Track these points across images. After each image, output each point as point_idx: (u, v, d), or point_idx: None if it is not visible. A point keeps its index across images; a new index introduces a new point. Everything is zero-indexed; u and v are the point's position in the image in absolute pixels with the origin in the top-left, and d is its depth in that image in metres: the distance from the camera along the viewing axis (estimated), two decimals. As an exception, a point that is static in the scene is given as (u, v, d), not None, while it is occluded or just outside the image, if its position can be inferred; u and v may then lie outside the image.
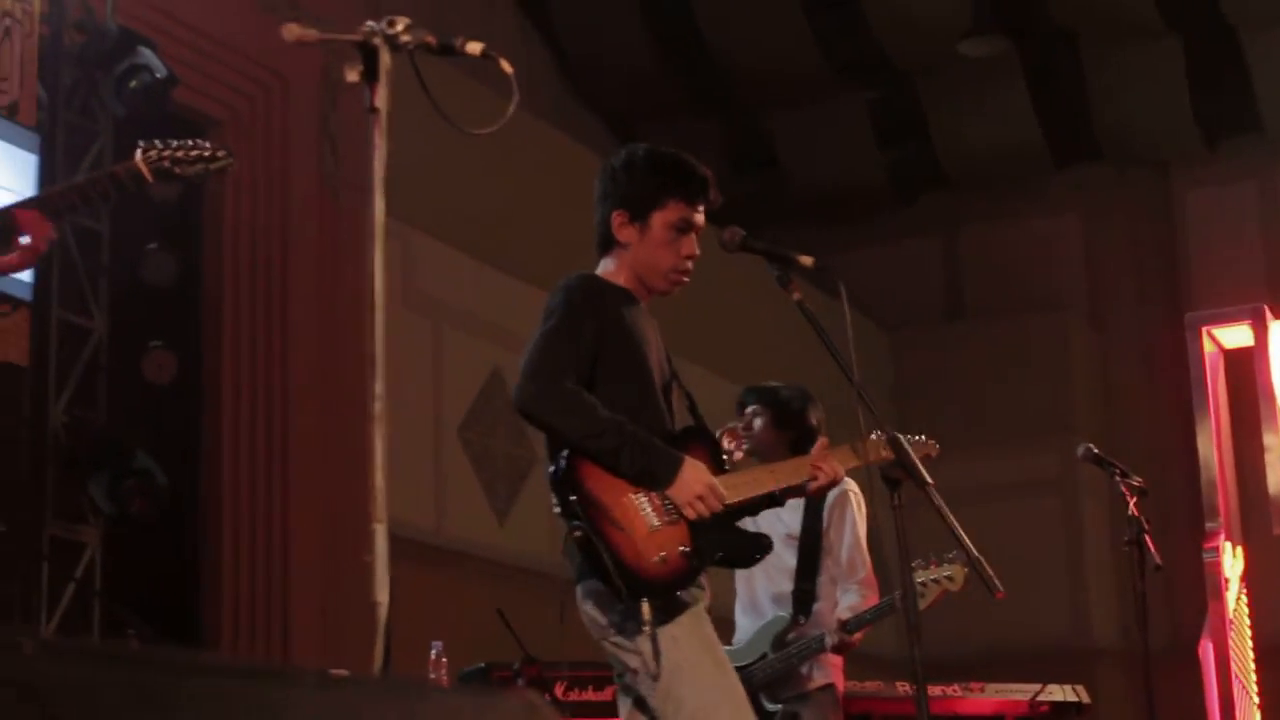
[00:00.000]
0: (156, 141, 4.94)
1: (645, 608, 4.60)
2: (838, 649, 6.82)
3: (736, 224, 5.00)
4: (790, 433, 7.16)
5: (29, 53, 9.60)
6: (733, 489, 4.84)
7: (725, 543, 4.83)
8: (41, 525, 9.29)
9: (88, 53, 9.89)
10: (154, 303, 10.08)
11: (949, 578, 6.78)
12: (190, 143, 4.99)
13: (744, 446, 7.23)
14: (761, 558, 5.00)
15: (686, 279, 5.07)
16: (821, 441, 5.35)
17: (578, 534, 4.65)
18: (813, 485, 5.10)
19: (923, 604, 6.66)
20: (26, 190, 9.40)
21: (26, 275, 9.34)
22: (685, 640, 4.68)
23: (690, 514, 4.68)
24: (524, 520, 13.81)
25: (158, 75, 9.67)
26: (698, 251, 5.00)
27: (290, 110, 11.70)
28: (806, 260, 4.72)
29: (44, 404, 9.47)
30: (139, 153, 4.88)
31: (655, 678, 4.66)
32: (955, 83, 17.78)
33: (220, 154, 4.99)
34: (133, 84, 9.67)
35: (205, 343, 10.98)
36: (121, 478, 9.32)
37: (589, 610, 4.82)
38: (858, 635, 6.81)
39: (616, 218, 5.03)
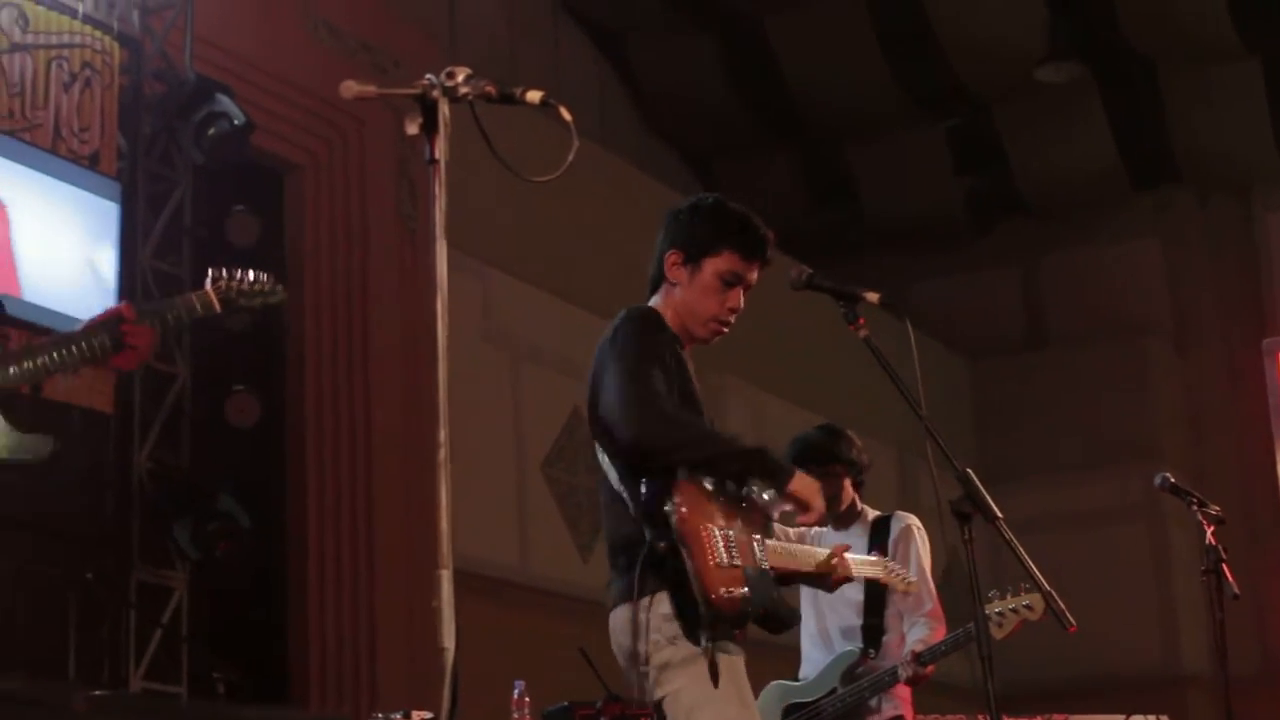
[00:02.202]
0: (224, 272, 5.14)
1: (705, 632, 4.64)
2: (911, 681, 6.80)
3: (816, 256, 5.03)
4: (851, 475, 7.20)
5: (109, 103, 9.73)
6: (773, 554, 4.90)
7: (770, 600, 4.84)
8: (128, 571, 9.38)
9: (167, 102, 10.01)
10: (236, 347, 10.15)
11: (1028, 606, 6.73)
12: (253, 276, 5.20)
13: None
14: (787, 629, 5.01)
15: (725, 330, 5.11)
16: (842, 546, 5.41)
17: (662, 545, 4.65)
18: (832, 581, 5.28)
19: (1001, 633, 6.65)
20: (110, 240, 9.52)
21: (109, 323, 9.43)
22: (720, 676, 4.68)
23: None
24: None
25: (235, 122, 9.77)
26: (741, 306, 5.02)
27: (368, 153, 11.78)
28: (872, 296, 4.72)
29: (129, 450, 9.57)
30: (209, 282, 5.05)
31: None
32: (1032, 109, 17.72)
33: (278, 289, 5.25)
34: (211, 131, 9.77)
35: (288, 386, 11.05)
36: (206, 522, 9.39)
37: (623, 639, 4.81)
38: (930, 667, 6.79)
39: (671, 256, 5.05)
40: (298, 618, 10.86)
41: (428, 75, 3.21)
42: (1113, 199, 18.82)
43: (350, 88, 3.26)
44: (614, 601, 4.85)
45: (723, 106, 17.41)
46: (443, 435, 3.12)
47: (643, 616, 4.73)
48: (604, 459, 4.89)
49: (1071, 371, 18.88)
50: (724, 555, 4.65)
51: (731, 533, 4.72)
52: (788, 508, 5.01)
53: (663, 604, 4.70)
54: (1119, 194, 18.72)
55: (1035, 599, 6.74)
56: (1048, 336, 19.73)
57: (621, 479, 4.82)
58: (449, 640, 3.03)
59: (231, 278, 5.15)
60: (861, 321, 4.72)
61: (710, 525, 4.69)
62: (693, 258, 4.99)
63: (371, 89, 3.23)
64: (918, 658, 6.75)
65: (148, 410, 9.70)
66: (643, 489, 4.72)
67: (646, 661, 4.74)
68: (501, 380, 13.17)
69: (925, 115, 17.79)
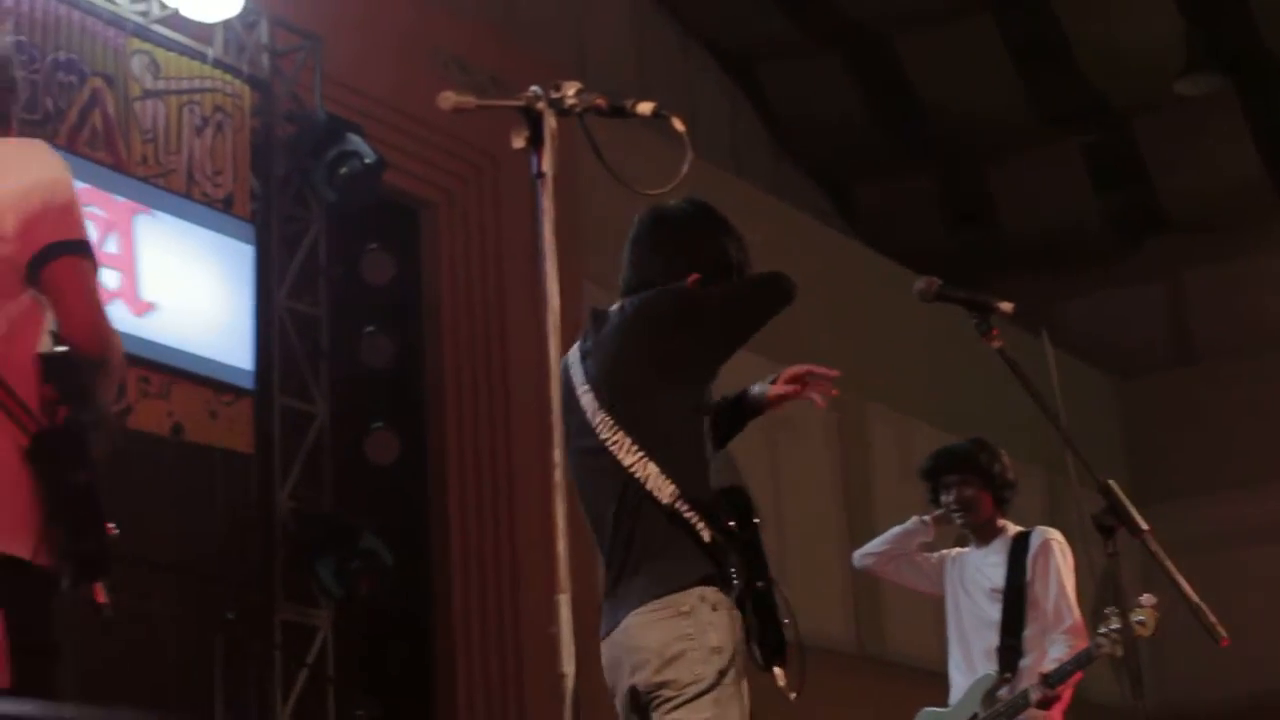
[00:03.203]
0: None
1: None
2: (1042, 704, 6.65)
3: (955, 277, 4.89)
4: (993, 490, 7.10)
5: (241, 146, 9.79)
6: None
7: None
8: (273, 610, 9.39)
9: (298, 142, 10.06)
10: (374, 384, 10.18)
11: (1141, 623, 6.60)
12: None
13: (958, 521, 7.17)
14: None
15: None
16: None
17: (760, 585, 4.61)
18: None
19: (1105, 652, 6.52)
20: (246, 282, 9.57)
21: (248, 363, 9.50)
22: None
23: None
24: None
25: (367, 160, 9.80)
26: None
27: (502, 188, 11.77)
28: (1006, 307, 4.58)
29: (270, 490, 9.59)
30: None
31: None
32: (1172, 123, 17.43)
33: None
34: (343, 170, 9.81)
35: (427, 422, 11.06)
36: (349, 560, 9.39)
37: (651, 638, 4.56)
38: (1061, 688, 6.64)
39: (692, 278, 4.93)
40: (443, 655, 10.85)
41: (533, 87, 3.15)
42: (1257, 210, 18.45)
43: (448, 98, 3.20)
44: (638, 601, 4.57)
45: (856, 129, 17.28)
46: (557, 456, 3.05)
47: (689, 627, 4.51)
48: (626, 451, 4.66)
49: (1224, 387, 18.55)
50: None
51: None
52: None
53: (720, 622, 4.52)
54: (1264, 205, 18.35)
55: (1147, 614, 6.61)
56: (1197, 353, 19.39)
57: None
58: (568, 666, 2.96)
59: None
60: (995, 332, 4.58)
61: None
62: (712, 277, 4.90)
63: (471, 100, 3.16)
64: (1046, 679, 6.61)
65: (288, 449, 9.73)
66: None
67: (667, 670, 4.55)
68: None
69: (1062, 132, 17.56)
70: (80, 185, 3.85)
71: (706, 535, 4.59)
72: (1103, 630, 6.58)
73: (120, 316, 8.94)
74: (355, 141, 9.87)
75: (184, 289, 9.26)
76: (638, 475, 4.60)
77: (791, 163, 17.74)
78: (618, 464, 4.62)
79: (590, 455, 4.70)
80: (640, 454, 4.62)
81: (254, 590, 9.37)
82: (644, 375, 4.73)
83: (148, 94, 9.33)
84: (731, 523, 4.69)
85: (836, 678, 13.66)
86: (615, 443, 4.65)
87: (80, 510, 3.59)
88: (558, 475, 3.03)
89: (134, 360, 8.80)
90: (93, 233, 8.55)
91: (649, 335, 4.77)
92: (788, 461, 14.65)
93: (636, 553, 4.59)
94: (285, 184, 10.12)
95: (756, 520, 4.81)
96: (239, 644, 9.07)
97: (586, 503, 4.71)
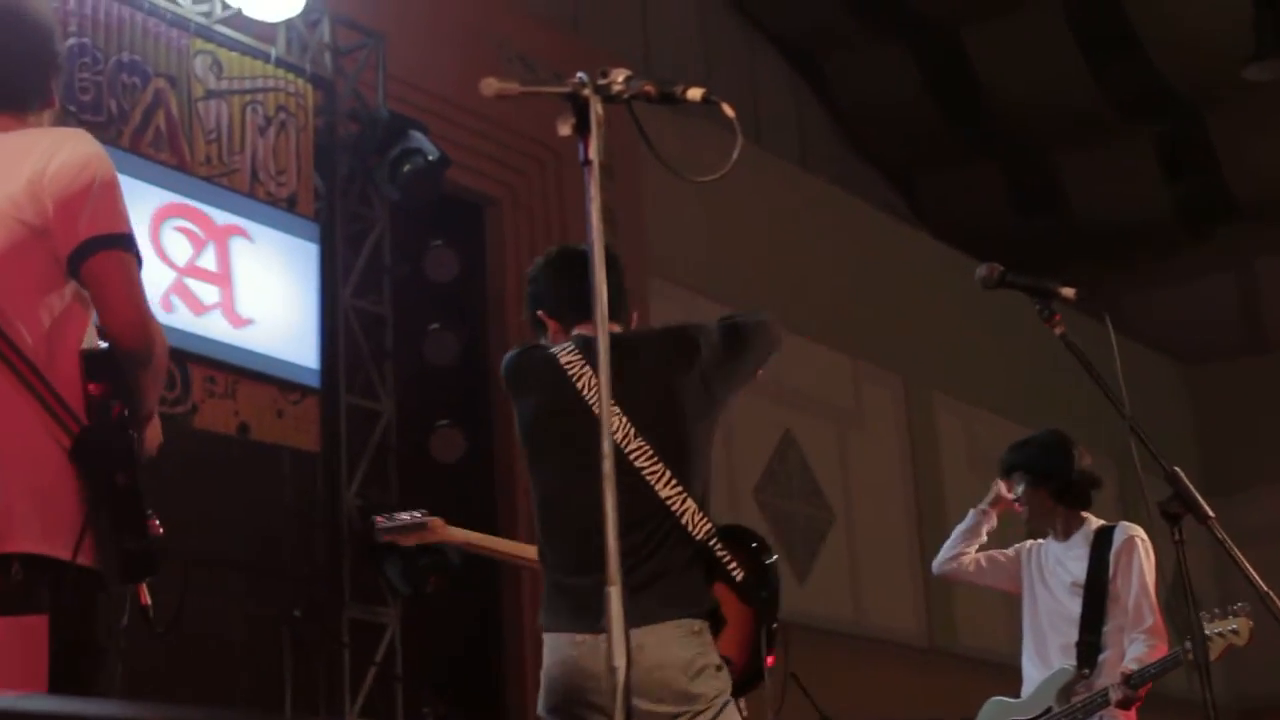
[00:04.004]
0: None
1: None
2: (1123, 704, 6.56)
3: (1023, 267, 4.82)
4: (1048, 487, 6.98)
5: (304, 145, 9.80)
6: None
7: None
8: (341, 608, 9.40)
9: (361, 141, 10.07)
10: (439, 382, 10.17)
11: (1234, 631, 6.49)
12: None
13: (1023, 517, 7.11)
14: None
15: None
16: None
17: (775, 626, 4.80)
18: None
19: (1210, 656, 6.41)
20: (311, 281, 9.59)
21: (314, 362, 9.51)
22: None
23: None
24: (825, 579, 13.69)
25: (430, 158, 9.80)
26: None
27: (566, 184, 11.77)
28: (1068, 292, 4.52)
29: (337, 488, 9.60)
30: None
31: None
32: (1242, 110, 17.29)
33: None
34: (406, 168, 9.80)
35: (492, 419, 11.04)
36: (416, 558, 9.38)
37: (676, 653, 4.58)
38: (1143, 689, 6.55)
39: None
40: (510, 652, 10.84)
41: (579, 74, 3.11)
42: (1330, 198, 18.31)
43: (491, 84, 3.17)
44: (664, 616, 4.60)
45: (923, 119, 17.22)
46: (606, 446, 3.01)
47: (703, 645, 4.64)
48: (665, 484, 4.70)
49: (1295, 375, 18.42)
50: None
51: None
52: None
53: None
54: (1336, 193, 18.21)
55: (1241, 623, 6.51)
56: (1267, 340, 19.23)
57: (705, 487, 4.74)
58: (619, 659, 2.92)
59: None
60: (1057, 318, 4.53)
61: None
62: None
63: (514, 86, 3.13)
64: (1128, 680, 6.52)
65: (354, 448, 9.74)
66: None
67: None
68: (710, 407, 13.07)
69: (1131, 120, 17.43)
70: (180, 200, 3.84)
71: (739, 575, 4.71)
72: (1205, 634, 6.46)
73: (217, 325, 9.02)
74: (418, 139, 9.87)
75: (249, 289, 9.27)
76: (674, 509, 4.65)
77: (858, 155, 17.70)
78: (651, 494, 4.65)
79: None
80: (679, 488, 4.66)
81: (322, 589, 9.38)
82: (685, 410, 4.77)
83: (211, 94, 9.35)
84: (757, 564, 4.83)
85: (907, 671, 13.62)
86: (653, 473, 4.67)
87: (123, 510, 3.56)
88: (607, 466, 3.00)
89: (200, 360, 8.84)
90: (188, 247, 8.71)
91: (695, 370, 4.81)
92: (856, 455, 14.62)
93: (646, 575, 4.59)
94: (349, 182, 10.13)
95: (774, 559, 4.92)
96: (307, 642, 9.08)
97: (572, 510, 4.66)
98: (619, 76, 3.20)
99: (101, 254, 3.59)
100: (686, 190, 11.92)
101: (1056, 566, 6.96)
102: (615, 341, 4.66)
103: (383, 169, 9.90)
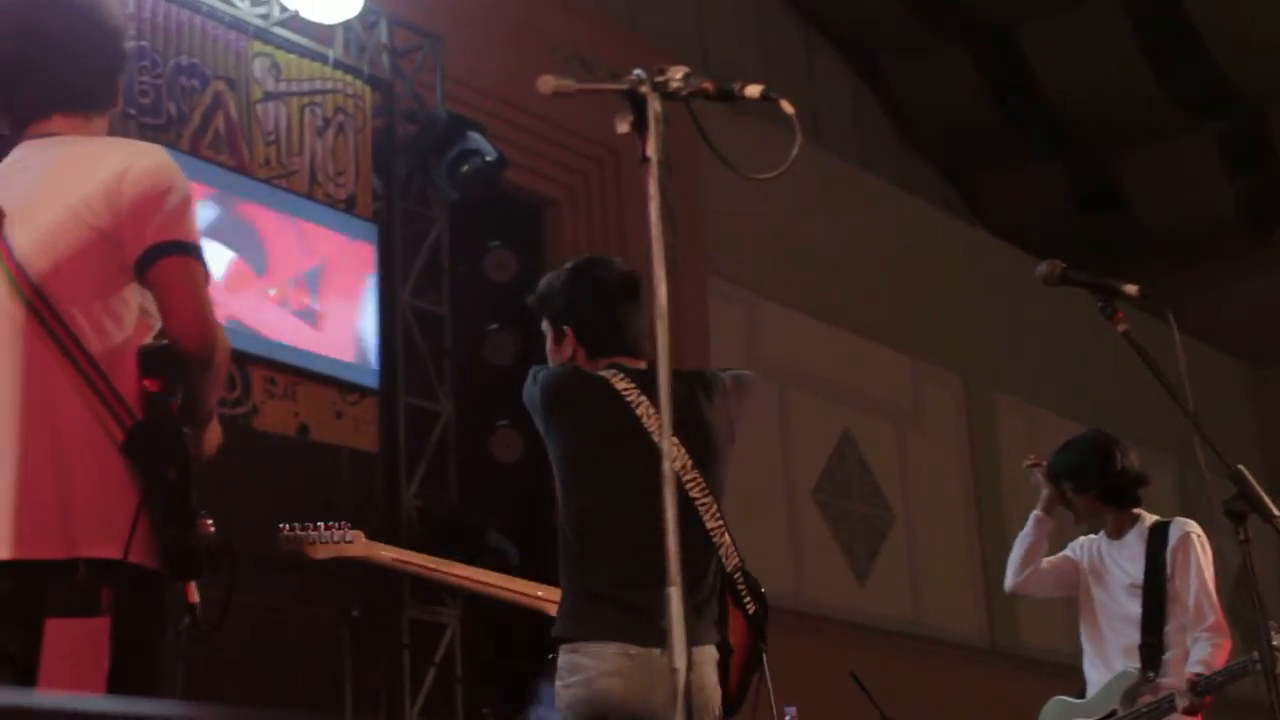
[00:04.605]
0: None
1: None
2: (1189, 711, 6.45)
3: (1085, 267, 4.78)
4: (1093, 491, 6.88)
5: (363, 146, 9.82)
6: None
7: None
8: (400, 609, 9.41)
9: (419, 141, 10.08)
10: (498, 382, 10.16)
11: None
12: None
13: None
14: None
15: None
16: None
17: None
18: None
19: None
20: (370, 281, 9.60)
21: (373, 363, 9.53)
22: None
23: None
24: (884, 580, 13.65)
25: (488, 158, 9.80)
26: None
27: (624, 185, 11.75)
28: (1131, 289, 4.48)
29: (396, 488, 9.62)
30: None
31: None
32: (1306, 108, 17.17)
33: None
34: (464, 168, 9.81)
35: (553, 419, 11.02)
36: (474, 557, 9.36)
37: (713, 676, 4.76)
38: (1209, 697, 6.45)
39: None
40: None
41: (636, 70, 3.10)
42: (1398, 192, 18.13)
43: (548, 82, 3.16)
44: (707, 639, 4.78)
45: (982, 119, 17.14)
46: (666, 445, 3.00)
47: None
48: (711, 516, 4.86)
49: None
50: None
51: None
52: None
53: None
54: (1402, 189, 18.03)
55: None
56: (1337, 341, 19.09)
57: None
58: (679, 661, 2.90)
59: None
60: (1120, 315, 4.49)
61: None
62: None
63: (571, 84, 3.12)
64: (1194, 687, 6.40)
65: (413, 448, 9.75)
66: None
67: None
68: (769, 408, 13.07)
69: (1193, 118, 17.31)
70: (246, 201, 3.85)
71: (751, 609, 4.94)
72: (1276, 644, 6.34)
73: (277, 328, 9.04)
74: (476, 139, 9.88)
75: (310, 290, 9.30)
76: (715, 540, 4.79)
77: (917, 154, 17.63)
78: (700, 524, 4.77)
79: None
80: (720, 521, 4.81)
81: (381, 589, 9.39)
82: (720, 449, 4.91)
83: (269, 96, 9.38)
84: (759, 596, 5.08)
85: (967, 672, 13.57)
86: (704, 505, 4.79)
87: (172, 505, 3.56)
88: (667, 466, 2.98)
89: (260, 361, 8.87)
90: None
91: (739, 415, 4.99)
92: (916, 455, 14.57)
93: (697, 600, 4.71)
94: (407, 183, 10.14)
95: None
96: (367, 642, 9.08)
97: (627, 525, 4.69)
98: (677, 74, 3.19)
99: (169, 259, 3.62)
100: (745, 189, 11.85)
101: (1113, 566, 6.87)
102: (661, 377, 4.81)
103: (441, 170, 9.91)
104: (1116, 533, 6.88)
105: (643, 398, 4.83)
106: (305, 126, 9.52)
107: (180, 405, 3.65)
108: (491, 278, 10.13)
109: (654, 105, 3.06)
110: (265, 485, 8.62)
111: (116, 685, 3.40)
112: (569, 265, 5.19)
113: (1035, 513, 7.10)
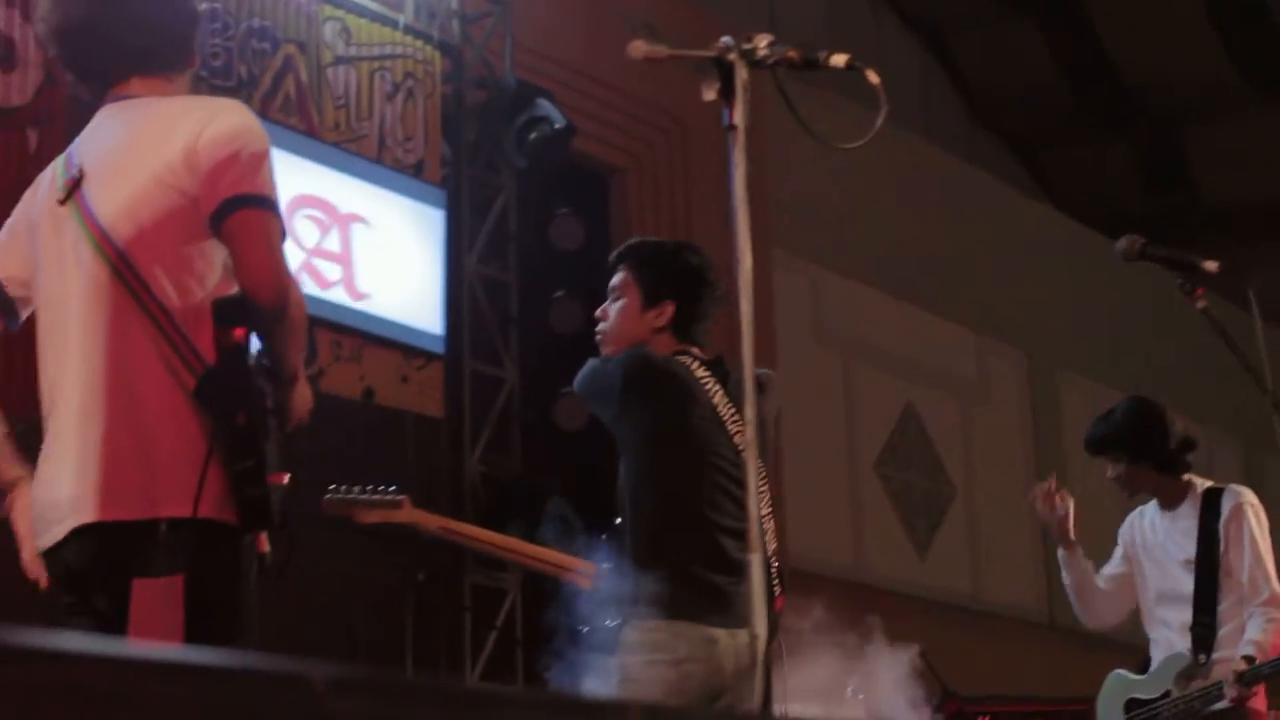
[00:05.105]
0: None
1: None
2: (1237, 701, 6.24)
3: (1150, 244, 4.75)
4: (1149, 461, 6.63)
5: (432, 112, 9.82)
6: None
7: None
8: (462, 574, 9.44)
9: (488, 108, 10.08)
10: (563, 350, 10.16)
11: None
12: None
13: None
14: None
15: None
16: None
17: None
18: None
19: None
20: (436, 247, 9.62)
21: (438, 328, 9.54)
22: None
23: None
24: (945, 554, 13.62)
25: (556, 126, 9.80)
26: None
27: (691, 153, 11.73)
28: (1211, 265, 4.45)
29: (460, 454, 9.64)
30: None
31: None
32: (1380, 84, 16.99)
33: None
34: (532, 135, 9.81)
35: (616, 388, 11.03)
36: (537, 524, 9.39)
37: None
38: (1257, 687, 6.32)
39: None
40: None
41: (724, 38, 3.09)
42: None
43: (639, 47, 3.16)
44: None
45: (1050, 94, 17.04)
46: (750, 413, 3.00)
47: None
48: (765, 503, 4.94)
49: None
50: None
51: None
52: None
53: None
54: None
55: None
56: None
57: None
58: (760, 627, 2.91)
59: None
60: (1200, 292, 4.46)
61: None
62: None
63: (663, 50, 3.12)
64: (1241, 678, 6.20)
65: (477, 414, 9.78)
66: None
67: None
68: (834, 380, 13.05)
69: (1265, 96, 17.15)
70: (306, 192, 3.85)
71: (778, 593, 4.96)
72: None
73: (343, 294, 9.08)
74: (545, 106, 9.87)
75: (376, 254, 9.32)
76: (765, 527, 4.85)
77: (983, 129, 17.55)
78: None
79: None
80: (770, 509, 4.93)
81: (446, 554, 9.41)
82: (767, 444, 4.97)
83: (339, 60, 9.40)
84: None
85: (1027, 646, 13.53)
86: (761, 493, 4.78)
87: (241, 454, 3.56)
88: (750, 433, 2.99)
89: (326, 325, 8.89)
90: (315, 231, 8.77)
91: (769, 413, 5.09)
92: (978, 429, 14.53)
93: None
94: (475, 149, 10.15)
95: None
96: (430, 606, 9.12)
97: (708, 509, 4.85)
98: (762, 42, 3.19)
99: (243, 211, 3.62)
100: (811, 161, 11.87)
101: (1167, 541, 6.64)
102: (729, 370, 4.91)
103: (510, 136, 9.91)
104: (1170, 504, 6.66)
105: (718, 387, 4.93)
106: (375, 91, 9.53)
107: (266, 365, 3.66)
108: (557, 245, 10.14)
109: (741, 73, 3.05)
110: (329, 448, 8.62)
111: (193, 640, 3.42)
112: (677, 245, 5.27)
113: (1059, 551, 6.93)
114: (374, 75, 9.55)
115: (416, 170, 9.67)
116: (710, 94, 3.09)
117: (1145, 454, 6.63)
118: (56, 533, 3.59)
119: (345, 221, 9.20)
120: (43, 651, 1.13)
